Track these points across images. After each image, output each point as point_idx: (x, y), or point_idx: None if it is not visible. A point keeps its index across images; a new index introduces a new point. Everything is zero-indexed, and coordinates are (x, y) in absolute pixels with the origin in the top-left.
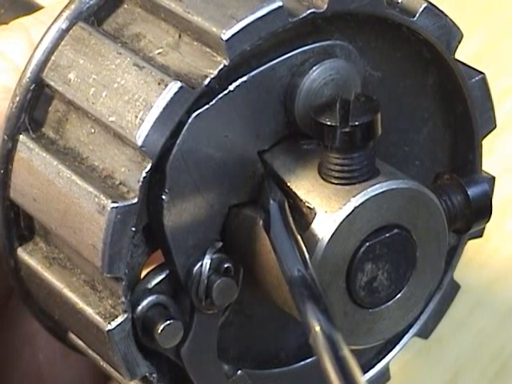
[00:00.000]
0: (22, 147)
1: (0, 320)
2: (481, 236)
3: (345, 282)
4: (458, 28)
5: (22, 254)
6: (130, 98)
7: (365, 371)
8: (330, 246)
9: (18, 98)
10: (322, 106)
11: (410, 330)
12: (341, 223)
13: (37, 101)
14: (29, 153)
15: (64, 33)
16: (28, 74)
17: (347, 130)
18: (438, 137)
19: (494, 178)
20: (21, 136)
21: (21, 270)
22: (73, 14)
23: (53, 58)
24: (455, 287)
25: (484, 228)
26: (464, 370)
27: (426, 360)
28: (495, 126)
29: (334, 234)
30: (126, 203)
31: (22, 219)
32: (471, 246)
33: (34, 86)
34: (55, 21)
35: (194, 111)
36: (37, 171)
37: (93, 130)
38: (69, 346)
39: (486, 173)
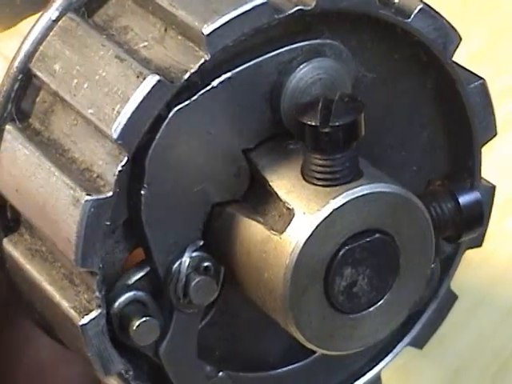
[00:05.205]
0: (7, 137)
1: (2, 319)
2: (480, 245)
3: (323, 286)
4: (456, 31)
5: (7, 245)
6: (109, 90)
7: (356, 378)
8: (306, 248)
9: (4, 88)
10: (306, 106)
11: (404, 339)
12: (318, 225)
13: (25, 91)
14: (13, 143)
15: (53, 23)
16: (16, 64)
17: (327, 130)
18: (437, 142)
19: (494, 187)
20: (7, 126)
21: (6, 262)
22: (63, 4)
23: (41, 48)
24: (452, 297)
25: (483, 237)
26: (464, 369)
27: (426, 359)
28: (496, 134)
29: (310, 235)
30: (101, 196)
31: (8, 209)
32: None
33: (21, 76)
34: (45, 11)
35: (175, 106)
36: (20, 162)
37: (75, 122)
38: (56, 340)
39: (486, 181)
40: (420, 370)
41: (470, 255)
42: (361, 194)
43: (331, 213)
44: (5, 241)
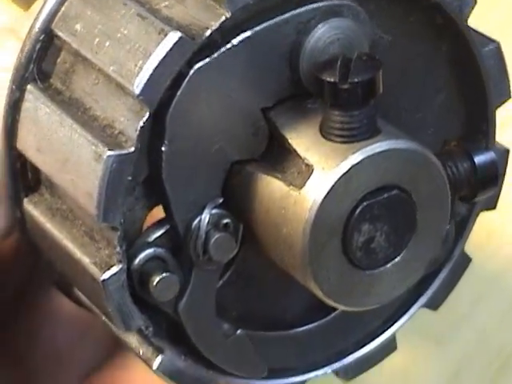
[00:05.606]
0: (28, 97)
1: (19, 302)
2: (494, 208)
3: (341, 242)
4: None
5: (28, 204)
6: (131, 47)
7: (372, 338)
8: (325, 203)
9: (26, 48)
10: (325, 63)
11: (419, 300)
12: (337, 181)
13: (46, 52)
14: (35, 103)
15: None
16: (38, 25)
17: (346, 86)
18: (452, 105)
19: (507, 151)
20: (28, 86)
21: (26, 222)
22: None
23: (63, 9)
24: (466, 260)
25: (497, 199)
26: (467, 364)
27: (429, 355)
28: (510, 97)
29: (329, 191)
30: (123, 152)
31: (28, 169)
32: (475, 239)
33: (43, 36)
34: None
35: (196, 63)
36: (41, 121)
37: (97, 81)
38: (75, 301)
39: (499, 144)
40: (423, 365)
41: (476, 246)
42: (379, 150)
43: (350, 169)
44: (25, 201)
